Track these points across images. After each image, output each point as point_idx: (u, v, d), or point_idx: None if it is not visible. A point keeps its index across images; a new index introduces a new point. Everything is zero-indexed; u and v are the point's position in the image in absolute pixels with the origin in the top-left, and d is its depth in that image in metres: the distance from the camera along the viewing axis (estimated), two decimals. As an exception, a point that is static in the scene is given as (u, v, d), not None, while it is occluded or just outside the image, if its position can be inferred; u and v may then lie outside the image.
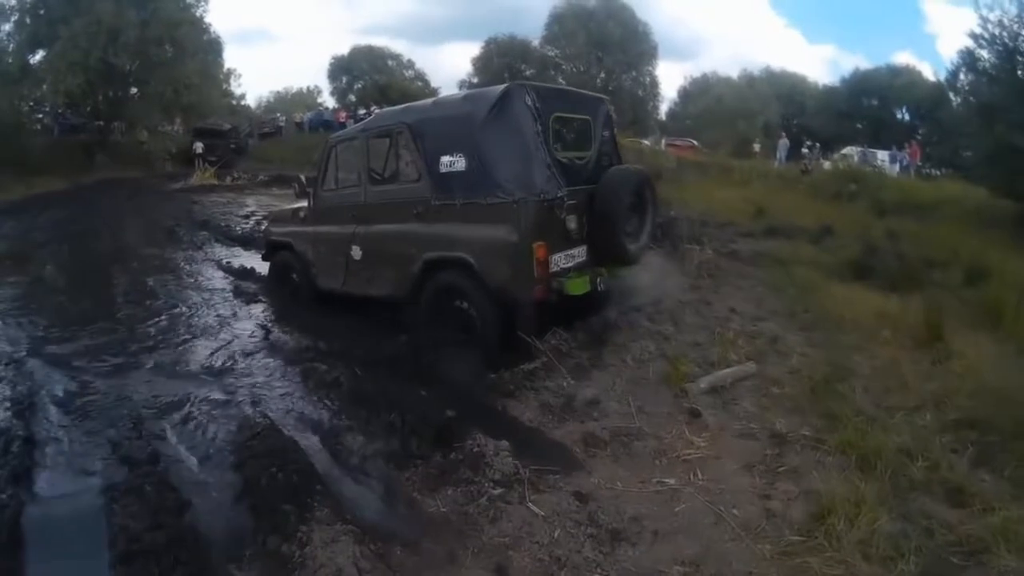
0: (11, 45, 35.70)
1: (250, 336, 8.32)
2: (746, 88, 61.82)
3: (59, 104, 36.65)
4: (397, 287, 7.68)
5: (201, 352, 7.75)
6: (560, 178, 7.00)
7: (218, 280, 11.55)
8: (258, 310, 9.67)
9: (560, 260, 7.02)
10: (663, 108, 67.15)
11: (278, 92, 79.27)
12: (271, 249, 10.26)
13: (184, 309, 9.84)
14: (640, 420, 5.68)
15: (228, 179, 31.95)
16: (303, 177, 9.51)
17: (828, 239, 14.86)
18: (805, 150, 38.21)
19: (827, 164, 33.92)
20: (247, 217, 19.78)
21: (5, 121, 32.03)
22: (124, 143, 39.13)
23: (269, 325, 8.80)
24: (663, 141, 44.31)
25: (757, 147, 41.60)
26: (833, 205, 20.87)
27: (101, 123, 38.93)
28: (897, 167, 34.23)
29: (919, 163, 36.37)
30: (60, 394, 6.36)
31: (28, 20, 35.49)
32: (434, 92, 58.83)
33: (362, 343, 7.66)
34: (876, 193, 22.21)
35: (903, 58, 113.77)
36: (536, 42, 63.36)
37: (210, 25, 41.32)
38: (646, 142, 39.09)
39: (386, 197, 7.95)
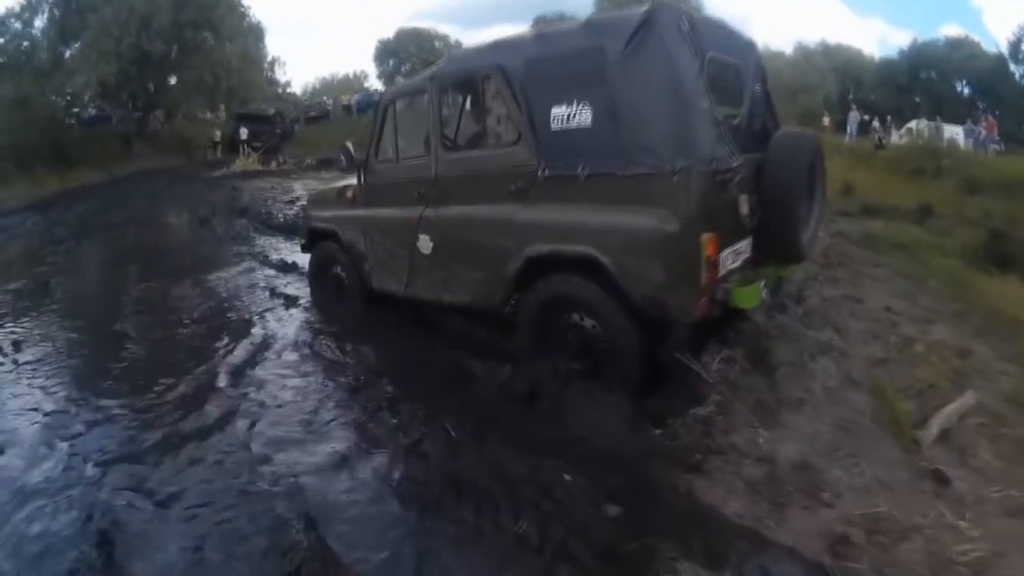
0: (44, 40, 35.70)
1: (282, 372, 6.27)
2: (803, 62, 59.06)
3: (93, 95, 35.97)
4: (484, 293, 5.81)
5: (212, 412, 5.48)
6: (732, 141, 4.94)
7: (253, 282, 9.81)
8: (295, 325, 7.64)
9: (728, 259, 4.94)
10: None
11: (324, 78, 79.28)
12: (312, 238, 8.06)
13: (197, 335, 7.69)
14: (882, 497, 3.93)
15: (273, 164, 30.82)
16: (350, 145, 7.19)
17: (931, 220, 14.11)
18: (876, 124, 36.34)
19: (896, 139, 32.29)
20: (291, 203, 17.80)
21: (39, 114, 31.47)
22: (164, 132, 38.55)
23: (310, 348, 6.80)
24: None
25: (826, 121, 39.65)
26: (917, 182, 19.95)
27: (139, 113, 38.05)
28: (971, 142, 32.35)
29: (996, 138, 34.20)
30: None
31: (57, 12, 35.35)
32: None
33: (446, 377, 5.74)
34: (963, 170, 20.87)
35: (950, 31, 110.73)
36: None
37: (249, 8, 40.77)
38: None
39: (468, 168, 5.97)
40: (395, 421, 4.93)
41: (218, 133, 36.19)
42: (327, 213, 7.75)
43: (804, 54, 60.44)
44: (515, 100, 5.40)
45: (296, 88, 63.06)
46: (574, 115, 5.04)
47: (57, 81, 34.46)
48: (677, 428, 4.53)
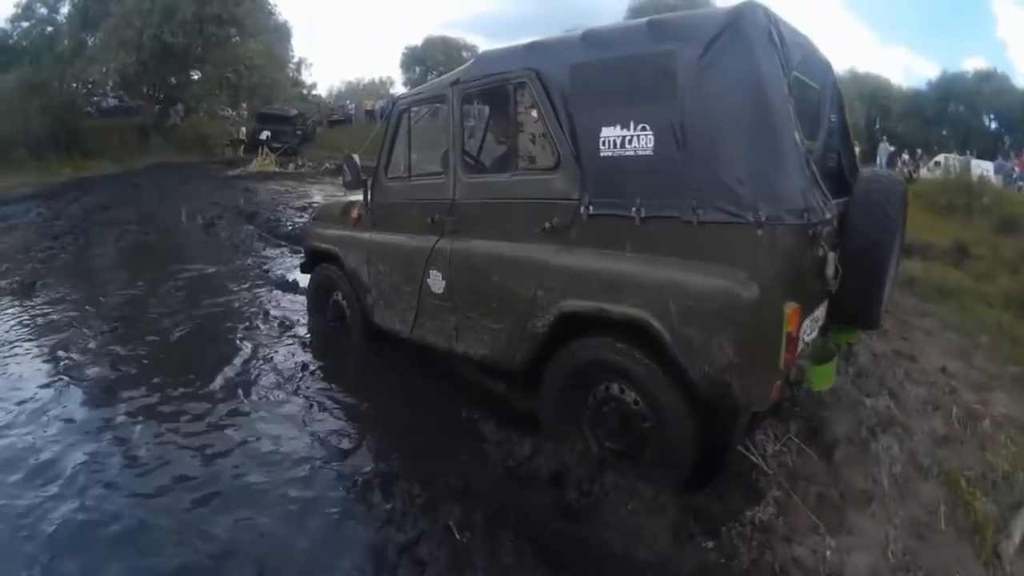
0: (67, 26, 36.03)
1: (258, 421, 5.36)
2: (832, 89, 58.71)
3: (112, 85, 35.93)
4: (503, 349, 4.83)
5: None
6: (823, 185, 3.94)
7: (246, 300, 9.04)
8: (282, 359, 6.66)
9: (807, 330, 3.99)
10: None
11: (350, 82, 79.27)
12: (312, 259, 7.23)
13: (170, 362, 6.77)
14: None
15: (291, 166, 30.06)
16: (356, 157, 6.12)
17: (967, 261, 13.63)
18: (906, 156, 35.74)
19: (925, 172, 31.75)
20: (302, 211, 16.67)
21: (56, 101, 31.29)
22: (182, 126, 38.27)
23: (296, 392, 5.87)
24: None
25: (857, 150, 39.05)
26: (949, 219, 19.09)
27: (159, 105, 37.85)
28: (1000, 178, 31.67)
29: (1024, 175, 33.53)
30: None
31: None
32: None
33: (453, 445, 4.82)
34: (997, 208, 20.10)
35: (974, 63, 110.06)
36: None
37: (276, 7, 40.73)
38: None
39: (494, 194, 4.95)
40: (387, 507, 4.08)
41: (242, 130, 35.58)
42: (330, 232, 6.85)
43: (834, 82, 60.32)
44: (555, 115, 4.42)
45: (321, 90, 62.81)
46: (631, 138, 4.03)
47: (77, 69, 34.34)
48: (733, 539, 3.76)
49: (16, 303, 8.83)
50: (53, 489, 4.30)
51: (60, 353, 6.79)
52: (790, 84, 3.82)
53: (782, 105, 3.70)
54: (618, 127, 4.05)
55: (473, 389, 5.48)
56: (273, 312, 8.04)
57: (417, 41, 69.69)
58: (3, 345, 7.12)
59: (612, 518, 3.87)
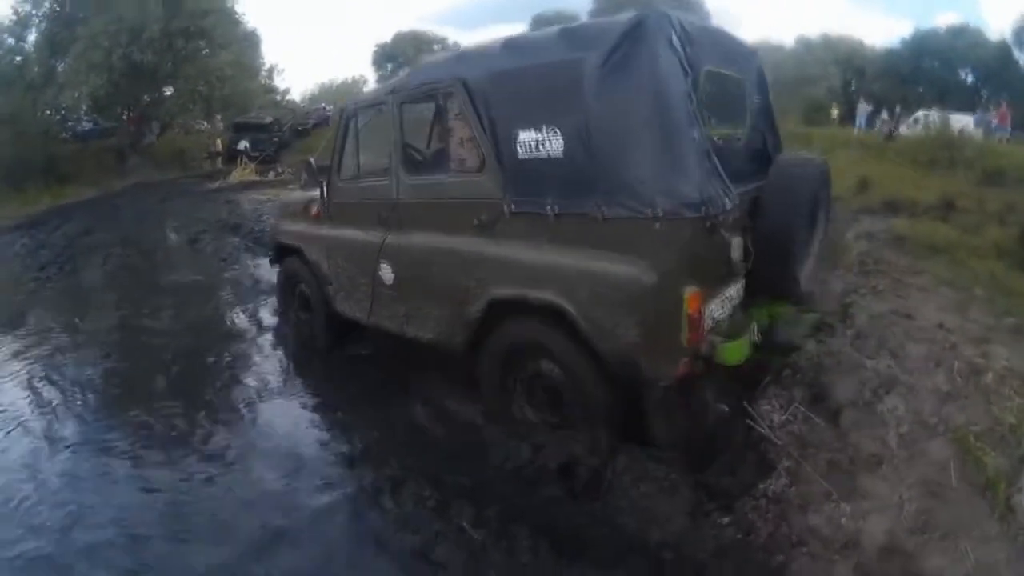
0: (35, 54, 35.53)
1: (261, 427, 5.63)
2: (805, 54, 58.72)
3: (86, 109, 35.77)
4: (446, 333, 5.30)
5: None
6: (727, 176, 4.26)
7: (236, 313, 9.03)
8: (276, 367, 6.91)
9: (715, 309, 4.41)
10: None
11: (323, 84, 78.65)
12: (279, 252, 7.62)
13: (169, 373, 6.90)
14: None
15: (271, 174, 29.65)
16: (313, 160, 6.83)
17: (955, 215, 13.22)
18: (885, 115, 35.78)
19: (904, 130, 31.73)
20: None
21: (31, 129, 31.53)
22: (159, 144, 38.32)
23: (295, 398, 6.11)
24: None
25: (835, 112, 39.16)
26: (932, 174, 19.02)
27: (133, 127, 37.69)
28: (981, 131, 31.73)
29: (1005, 127, 33.46)
30: None
31: (47, 26, 35.08)
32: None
33: (456, 444, 4.93)
34: (979, 160, 19.95)
35: (947, 19, 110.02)
36: (585, 17, 60.72)
37: (243, 16, 40.24)
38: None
39: (431, 194, 5.46)
40: (400, 511, 4.11)
41: (219, 142, 35.34)
42: (293, 228, 7.30)
43: (806, 46, 60.04)
44: (479, 121, 4.84)
45: (295, 95, 62.36)
46: (543, 142, 4.44)
47: (49, 96, 33.95)
48: (748, 513, 3.78)
49: (7, 338, 8.75)
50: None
51: (50, 389, 6.73)
52: (699, 83, 4.33)
53: (680, 107, 4.06)
54: (532, 131, 4.46)
55: (467, 384, 5.49)
56: (267, 322, 8.02)
57: (387, 38, 69.76)
58: None
59: (624, 502, 3.91)
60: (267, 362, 6.93)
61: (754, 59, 5.62)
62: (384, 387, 5.91)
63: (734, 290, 4.65)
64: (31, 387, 6.75)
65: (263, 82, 43.24)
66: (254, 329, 8.05)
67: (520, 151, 4.57)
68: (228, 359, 7.14)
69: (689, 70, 4.19)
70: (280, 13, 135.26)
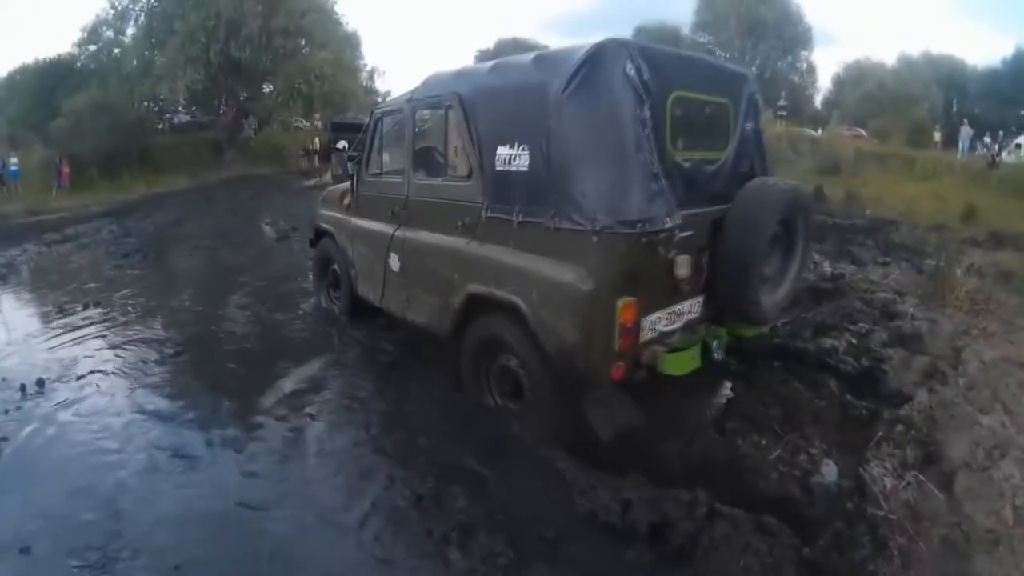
0: (133, 47, 36.28)
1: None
2: (907, 72, 57.46)
3: (180, 102, 36.43)
4: (436, 320, 5.84)
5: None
6: (674, 196, 4.50)
7: (321, 318, 8.50)
8: (359, 389, 6.29)
9: (659, 321, 4.69)
10: (818, 97, 63.87)
11: None
12: (317, 235, 8.38)
13: (248, 377, 6.66)
14: None
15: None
16: (344, 154, 7.47)
17: None
18: (987, 139, 34.60)
19: (1006, 155, 30.73)
20: None
21: (126, 119, 31.79)
22: (256, 139, 39.03)
23: (366, 455, 5.21)
24: (839, 129, 40.73)
25: (938, 136, 37.99)
26: None
27: (245, 119, 38.63)
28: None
29: None
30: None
31: (143, 19, 35.79)
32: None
33: (533, 489, 4.44)
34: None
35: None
36: (687, 29, 60.81)
37: (343, 17, 40.79)
38: (811, 132, 36.17)
39: (430, 194, 6.00)
40: (466, 566, 3.73)
41: (316, 140, 35.83)
42: (329, 214, 8.01)
43: (908, 65, 58.76)
44: (469, 133, 5.34)
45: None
46: (515, 156, 4.91)
47: (146, 87, 34.70)
48: None
49: (80, 325, 8.64)
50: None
51: (122, 381, 6.68)
52: (665, 107, 4.63)
53: (627, 131, 4.37)
54: (507, 146, 4.92)
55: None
56: (350, 331, 7.66)
57: (489, 44, 69.30)
58: (70, 367, 7.00)
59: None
60: (345, 371, 6.66)
61: (745, 85, 5.72)
62: (467, 420, 5.65)
63: (688, 306, 4.92)
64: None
65: (363, 83, 43.52)
66: (334, 331, 7.81)
67: (497, 163, 5.03)
68: (307, 367, 6.84)
69: (646, 96, 4.45)
70: (385, 17, 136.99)
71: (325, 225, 7.99)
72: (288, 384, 6.30)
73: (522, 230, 4.82)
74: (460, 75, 5.87)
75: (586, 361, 4.40)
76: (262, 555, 3.85)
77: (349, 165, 7.33)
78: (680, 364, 4.64)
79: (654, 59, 4.62)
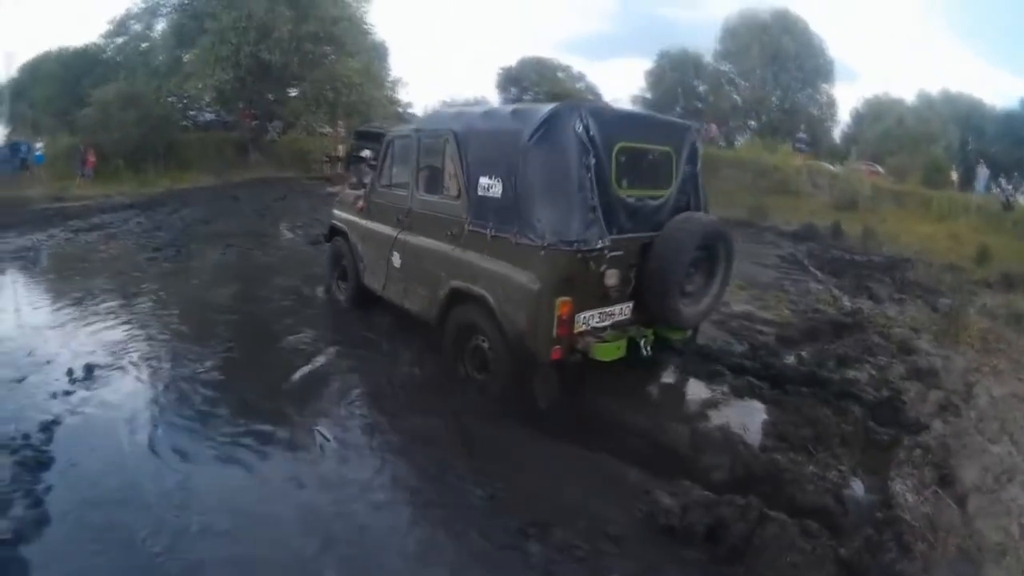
0: (162, 42, 36.60)
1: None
2: (925, 110, 57.01)
3: (210, 100, 36.45)
4: (426, 308, 7.14)
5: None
6: (608, 223, 5.92)
7: (366, 323, 8.70)
8: (418, 395, 6.65)
9: (592, 318, 6.04)
10: (836, 131, 62.18)
11: (445, 101, 78.03)
12: (332, 232, 9.72)
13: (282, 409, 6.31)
14: None
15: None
16: (363, 166, 8.42)
17: None
18: (1003, 181, 34.76)
19: (1021, 198, 30.82)
20: None
21: (153, 113, 31.80)
22: (280, 142, 39.00)
23: (433, 447, 5.62)
24: (857, 165, 39.92)
25: (954, 176, 38.03)
26: None
27: (256, 121, 38.44)
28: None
29: None
30: None
31: (176, 17, 36.08)
32: (606, 107, 58.76)
33: (605, 503, 4.75)
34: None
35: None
36: (709, 56, 60.15)
37: (372, 26, 40.91)
38: (829, 166, 36.41)
39: (430, 208, 7.27)
40: (545, 556, 4.13)
41: (340, 148, 35.53)
42: (344, 215, 9.31)
43: (926, 102, 58.40)
44: (460, 163, 6.64)
45: (417, 109, 62.30)
46: (491, 186, 6.22)
47: (174, 84, 34.80)
48: None
49: (120, 313, 8.93)
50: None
51: (172, 371, 6.98)
52: (611, 155, 5.96)
53: (572, 174, 5.73)
54: (487, 177, 6.25)
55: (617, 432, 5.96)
56: (386, 349, 7.90)
57: (512, 62, 68.45)
58: (118, 355, 7.27)
59: (768, 571, 3.98)
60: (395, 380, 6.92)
61: (688, 135, 7.02)
62: (532, 422, 5.99)
63: (618, 309, 6.22)
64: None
65: (388, 93, 43.72)
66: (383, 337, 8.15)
67: (480, 189, 6.33)
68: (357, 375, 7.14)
69: (591, 147, 5.79)
70: (409, 28, 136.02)
71: (339, 224, 9.32)
72: (339, 394, 6.61)
73: (494, 242, 6.12)
74: (457, 116, 7.43)
75: (533, 342, 5.70)
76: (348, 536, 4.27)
77: (366, 176, 8.41)
78: (607, 352, 5.89)
79: (601, 117, 6.00)
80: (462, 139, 6.66)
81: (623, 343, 6.05)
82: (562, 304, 5.62)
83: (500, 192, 6.12)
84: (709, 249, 6.52)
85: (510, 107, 7.06)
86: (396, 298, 7.75)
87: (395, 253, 7.64)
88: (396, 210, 7.77)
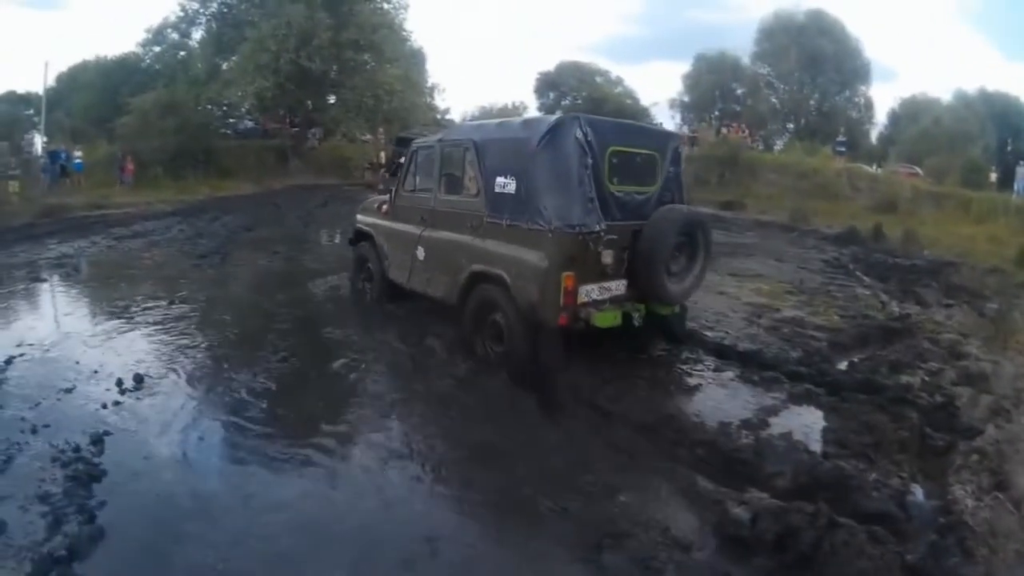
0: (200, 51, 37.44)
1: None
2: (962, 109, 56.00)
3: (249, 107, 36.78)
4: (449, 292, 7.99)
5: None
6: (602, 213, 7.03)
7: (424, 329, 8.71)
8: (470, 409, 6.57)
9: (592, 292, 7.09)
10: (873, 132, 62.05)
11: (483, 107, 77.25)
12: (357, 236, 10.63)
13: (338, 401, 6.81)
14: None
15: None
16: (387, 175, 8.44)
17: None
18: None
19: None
20: None
21: (192, 121, 32.56)
22: (320, 149, 39.42)
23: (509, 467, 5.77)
24: (896, 167, 40.13)
25: (993, 176, 37.49)
26: None
27: (296, 128, 38.74)
28: None
29: None
30: None
31: (215, 25, 36.86)
32: (643, 110, 60.78)
33: (676, 512, 4.91)
34: None
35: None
36: (746, 59, 60.41)
37: (411, 33, 41.30)
38: (869, 169, 36.40)
39: (451, 206, 8.27)
40: (624, 569, 4.17)
41: (381, 155, 35.80)
42: (369, 219, 10.24)
43: (963, 101, 57.57)
44: (479, 167, 7.67)
45: (455, 115, 61.76)
46: (507, 184, 7.24)
47: (213, 91, 35.41)
48: None
49: (165, 321, 9.13)
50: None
51: (227, 383, 6.99)
52: (604, 157, 7.03)
53: (574, 172, 6.81)
54: (503, 177, 7.28)
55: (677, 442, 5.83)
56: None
57: (550, 67, 68.91)
58: (168, 363, 7.40)
59: None
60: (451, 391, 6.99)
61: (671, 141, 8.32)
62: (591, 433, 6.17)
63: (614, 285, 7.24)
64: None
65: (427, 99, 43.91)
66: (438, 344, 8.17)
67: (496, 187, 7.34)
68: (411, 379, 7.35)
69: (589, 150, 6.88)
70: (448, 34, 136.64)
71: (364, 227, 10.26)
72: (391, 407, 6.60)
73: (508, 230, 7.14)
74: (476, 127, 9.22)
75: (543, 311, 6.66)
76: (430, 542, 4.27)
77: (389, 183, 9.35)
78: (605, 320, 6.96)
79: (597, 126, 7.10)
80: (481, 146, 7.72)
81: (619, 314, 7.14)
82: (567, 278, 6.64)
83: (514, 188, 7.14)
84: (690, 235, 7.61)
85: (520, 119, 9.10)
86: (420, 287, 8.65)
87: (420, 248, 8.56)
88: (420, 210, 8.75)
